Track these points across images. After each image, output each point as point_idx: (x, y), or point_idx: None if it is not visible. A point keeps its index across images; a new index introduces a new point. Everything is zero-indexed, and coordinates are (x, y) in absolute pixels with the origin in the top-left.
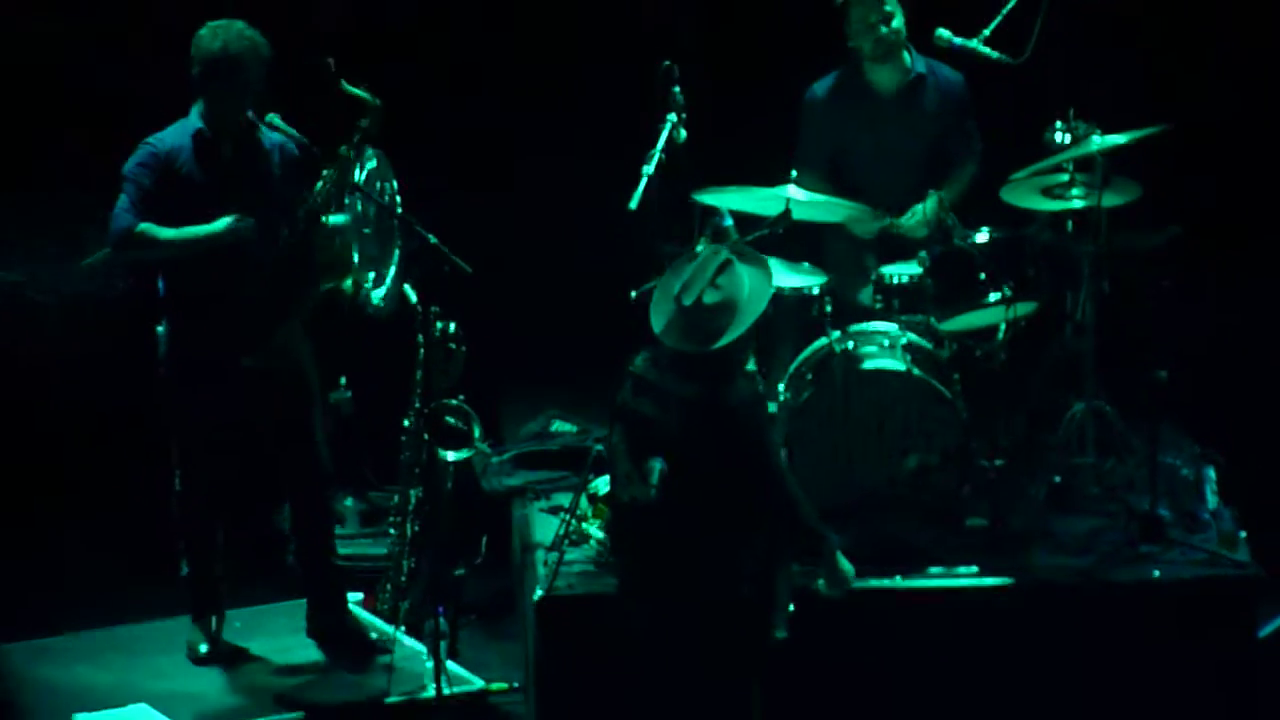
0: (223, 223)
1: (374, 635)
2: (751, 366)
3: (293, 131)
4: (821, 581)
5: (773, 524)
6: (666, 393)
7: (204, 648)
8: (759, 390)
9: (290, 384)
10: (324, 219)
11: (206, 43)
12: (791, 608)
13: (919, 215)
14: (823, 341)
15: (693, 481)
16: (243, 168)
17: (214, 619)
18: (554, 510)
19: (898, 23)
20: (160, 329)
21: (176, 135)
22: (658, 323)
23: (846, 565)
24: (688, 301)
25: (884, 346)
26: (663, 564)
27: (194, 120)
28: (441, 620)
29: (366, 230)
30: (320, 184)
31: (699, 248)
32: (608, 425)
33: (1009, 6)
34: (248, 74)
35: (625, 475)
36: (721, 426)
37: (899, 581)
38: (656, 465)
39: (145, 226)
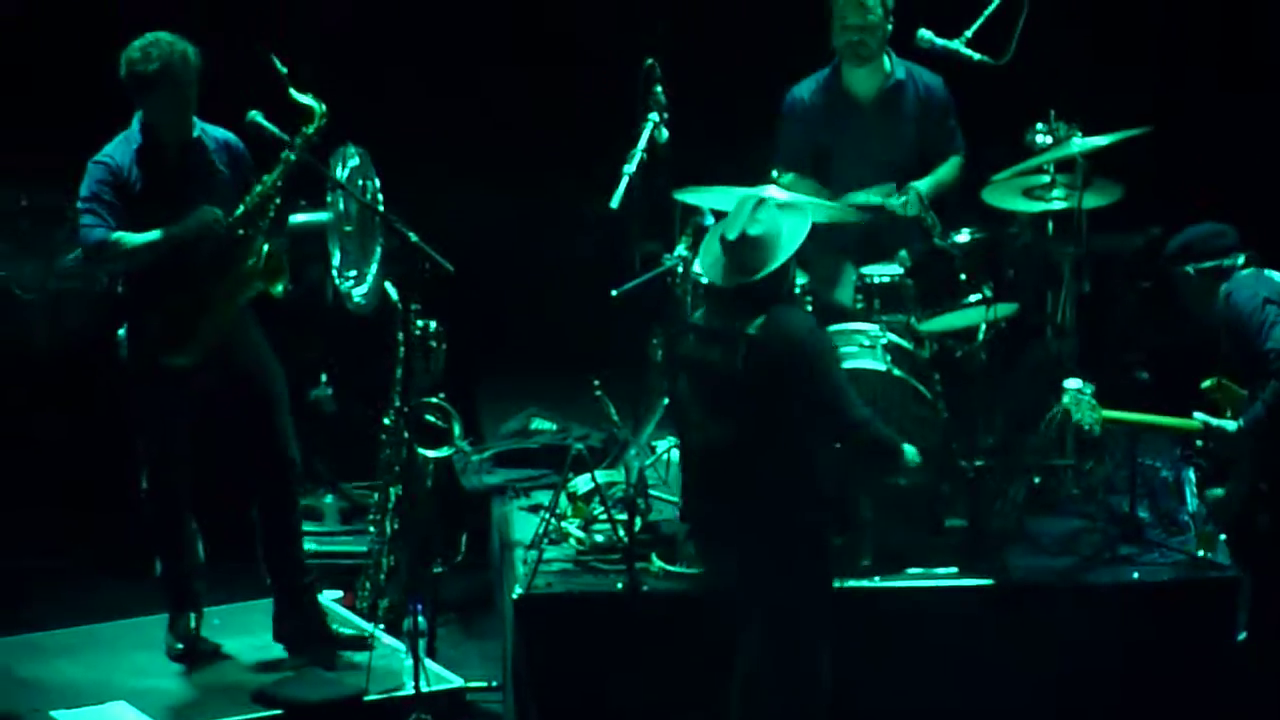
0: (194, 217)
1: (347, 631)
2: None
3: (274, 129)
4: (902, 480)
5: (846, 444)
6: (732, 333)
7: (181, 645)
8: (810, 315)
9: (250, 381)
10: (262, 223)
11: (139, 65)
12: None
13: (907, 197)
14: None
15: (760, 416)
16: (189, 174)
17: (192, 616)
18: (533, 509)
19: (879, 32)
20: (121, 332)
21: (122, 148)
22: (705, 266)
23: (913, 453)
24: (731, 236)
25: (864, 346)
26: (733, 501)
27: (136, 132)
28: (420, 618)
29: (348, 228)
30: (259, 187)
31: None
32: (668, 376)
33: (991, 8)
34: (184, 88)
35: (697, 424)
36: (787, 355)
37: (878, 582)
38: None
39: (119, 236)
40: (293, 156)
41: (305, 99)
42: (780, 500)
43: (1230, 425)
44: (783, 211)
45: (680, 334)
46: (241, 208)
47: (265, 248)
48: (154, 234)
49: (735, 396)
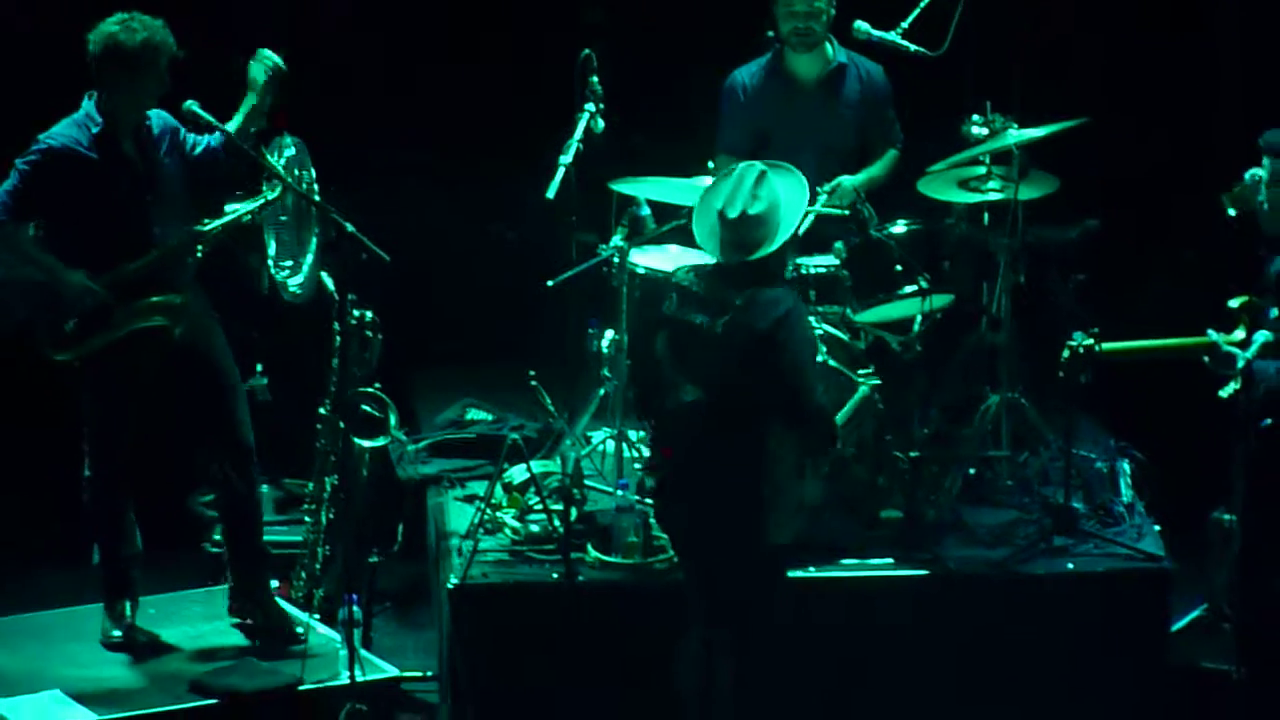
0: (77, 277)
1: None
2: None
3: (211, 119)
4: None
5: (795, 429)
6: (714, 301)
7: (117, 634)
8: (800, 301)
9: (207, 369)
10: (192, 258)
11: (123, 36)
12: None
13: (838, 192)
14: None
15: (733, 385)
16: (147, 156)
17: (128, 605)
18: (469, 499)
19: (823, 17)
20: (69, 324)
21: (70, 130)
22: (701, 237)
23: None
24: (732, 214)
25: None
26: (699, 464)
27: (89, 114)
28: (355, 608)
29: (284, 218)
30: (205, 227)
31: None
32: (651, 334)
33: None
34: (162, 69)
35: (674, 384)
36: (765, 332)
37: (812, 572)
38: None
39: (15, 229)
40: (249, 218)
41: (274, 165)
42: (740, 468)
43: (1240, 356)
44: (784, 184)
45: (664, 293)
46: (180, 238)
47: (178, 300)
48: (44, 257)
49: (713, 361)
